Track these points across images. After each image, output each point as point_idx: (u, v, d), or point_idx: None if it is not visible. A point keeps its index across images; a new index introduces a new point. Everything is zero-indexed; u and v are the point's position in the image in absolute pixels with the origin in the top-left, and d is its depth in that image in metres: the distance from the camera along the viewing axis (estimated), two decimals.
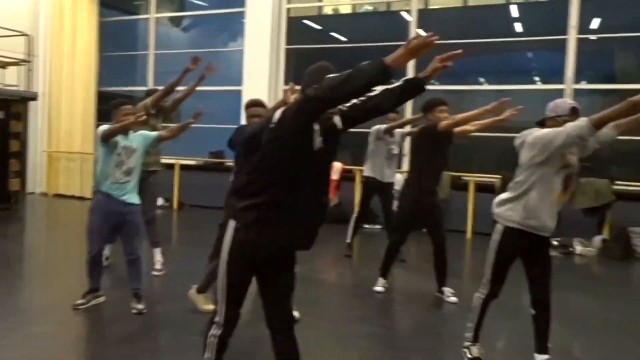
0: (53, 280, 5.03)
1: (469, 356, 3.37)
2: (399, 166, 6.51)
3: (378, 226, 8.34)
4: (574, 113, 3.09)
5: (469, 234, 7.98)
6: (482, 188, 8.07)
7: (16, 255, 6.14)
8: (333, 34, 10.41)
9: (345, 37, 10.07)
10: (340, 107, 2.38)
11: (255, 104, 3.94)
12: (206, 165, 10.35)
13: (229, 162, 10.03)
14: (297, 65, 10.17)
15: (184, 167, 9.97)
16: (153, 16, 11.01)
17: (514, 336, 4.08)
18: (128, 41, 11.49)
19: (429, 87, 2.35)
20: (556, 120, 3.10)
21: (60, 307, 4.17)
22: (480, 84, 9.40)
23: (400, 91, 2.30)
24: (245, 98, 9.60)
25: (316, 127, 2.34)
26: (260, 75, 9.40)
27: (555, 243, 7.17)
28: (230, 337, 2.56)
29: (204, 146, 10.68)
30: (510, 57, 9.37)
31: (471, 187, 8.03)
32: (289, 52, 9.76)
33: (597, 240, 7.27)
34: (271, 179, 2.37)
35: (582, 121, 2.83)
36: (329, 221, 8.63)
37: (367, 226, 8.34)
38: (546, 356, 3.23)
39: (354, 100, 2.38)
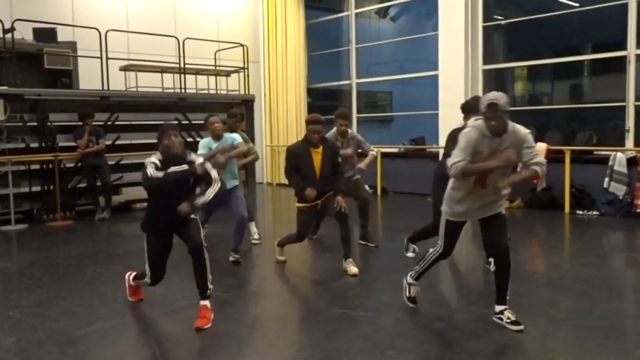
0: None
1: (407, 295, 3.88)
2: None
3: (595, 212, 7.48)
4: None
5: None
6: None
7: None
8: None
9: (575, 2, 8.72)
10: None
11: (313, 121, 4.60)
12: (407, 153, 10.45)
13: (430, 149, 9.99)
14: (509, 41, 9.60)
15: (385, 155, 10.24)
16: (353, 12, 11.51)
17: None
18: (332, 39, 12.18)
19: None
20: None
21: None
22: None
23: None
24: (443, 82, 9.41)
25: None
26: (456, 57, 9.10)
27: None
28: None
29: (404, 134, 10.81)
30: None
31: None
32: (486, 30, 9.28)
33: None
34: None
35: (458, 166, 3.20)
36: (537, 207, 8.01)
37: (580, 212, 7.55)
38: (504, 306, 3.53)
39: None
